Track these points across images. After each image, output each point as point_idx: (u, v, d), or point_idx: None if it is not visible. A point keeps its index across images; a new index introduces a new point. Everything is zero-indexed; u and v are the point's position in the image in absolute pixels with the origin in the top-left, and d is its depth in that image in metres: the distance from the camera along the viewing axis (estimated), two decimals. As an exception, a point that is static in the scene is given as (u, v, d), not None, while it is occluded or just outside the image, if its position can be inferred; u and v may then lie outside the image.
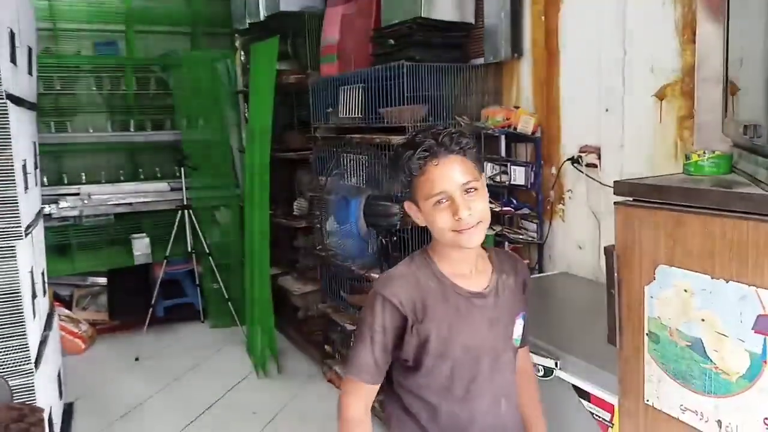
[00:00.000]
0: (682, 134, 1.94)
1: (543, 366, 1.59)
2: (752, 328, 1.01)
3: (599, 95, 2.22)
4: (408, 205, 1.22)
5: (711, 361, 1.09)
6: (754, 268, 1.00)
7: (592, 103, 2.25)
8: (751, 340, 1.02)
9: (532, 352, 1.62)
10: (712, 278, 1.07)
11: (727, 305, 1.05)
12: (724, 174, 1.25)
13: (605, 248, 1.28)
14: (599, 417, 1.47)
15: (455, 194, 1.13)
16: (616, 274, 1.26)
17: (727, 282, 1.04)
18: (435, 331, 1.16)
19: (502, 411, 1.24)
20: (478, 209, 1.15)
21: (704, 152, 1.30)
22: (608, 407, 1.44)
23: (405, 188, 1.20)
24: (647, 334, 1.21)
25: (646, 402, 1.24)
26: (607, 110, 2.19)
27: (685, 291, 1.12)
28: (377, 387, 1.21)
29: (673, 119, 1.96)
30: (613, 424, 1.43)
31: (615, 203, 1.26)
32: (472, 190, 1.15)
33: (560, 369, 1.56)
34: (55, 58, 4.23)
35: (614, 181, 1.28)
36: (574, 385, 1.53)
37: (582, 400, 1.51)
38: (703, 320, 1.09)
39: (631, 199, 1.25)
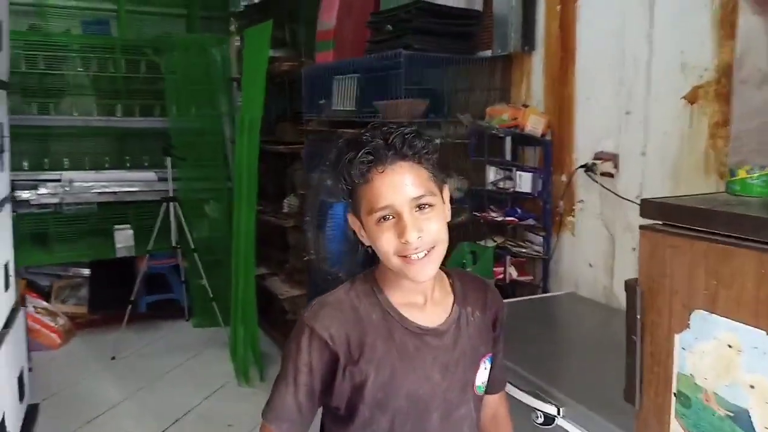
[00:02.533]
0: (715, 144, 1.68)
1: (543, 412, 1.35)
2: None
3: (619, 96, 1.96)
4: (351, 219, 0.99)
5: (760, 439, 0.84)
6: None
7: (611, 104, 2.00)
8: (819, 421, 0.77)
9: (528, 393, 1.39)
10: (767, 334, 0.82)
11: (788, 371, 0.80)
12: (780, 196, 1.00)
13: (626, 282, 1.04)
14: (607, 480, 1.22)
15: (403, 210, 0.91)
16: (638, 317, 1.01)
17: (789, 341, 0.80)
18: (373, 375, 0.94)
19: None
20: (432, 232, 0.92)
21: (752, 168, 1.05)
22: (618, 470, 1.19)
23: (346, 197, 0.97)
24: (675, 394, 0.97)
25: (669, 476, 0.99)
26: (627, 113, 1.94)
27: (730, 347, 0.88)
28: None
29: (704, 126, 1.71)
30: (624, 492, 1.18)
31: (641, 227, 1.02)
32: (426, 206, 0.92)
33: (563, 417, 1.32)
34: (41, 36, 4.00)
35: (641, 200, 1.03)
36: (578, 439, 1.29)
37: (588, 458, 1.27)
38: (752, 387, 0.85)
39: (661, 223, 1.01)
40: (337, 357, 0.94)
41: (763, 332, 0.83)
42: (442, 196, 0.97)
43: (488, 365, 1.06)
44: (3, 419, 2.37)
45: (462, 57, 2.45)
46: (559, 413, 1.32)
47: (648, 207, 1.02)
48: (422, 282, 0.96)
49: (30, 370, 3.03)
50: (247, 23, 3.84)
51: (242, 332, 3.42)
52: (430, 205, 0.93)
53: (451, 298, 1.03)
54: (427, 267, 0.94)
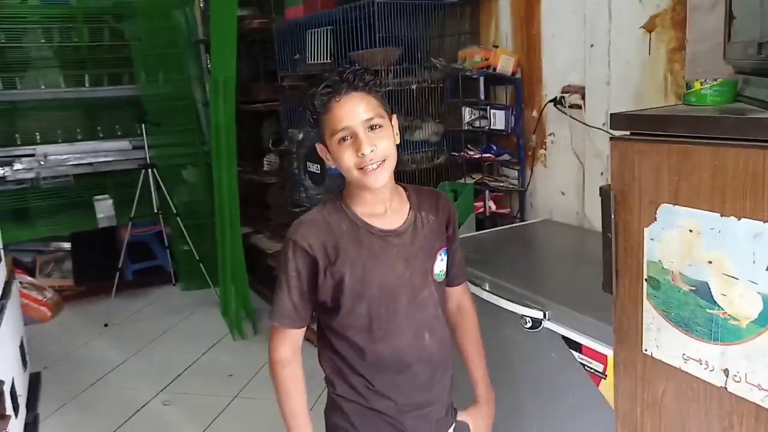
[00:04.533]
0: (673, 68, 1.82)
1: (531, 317, 1.50)
2: (766, 269, 0.92)
3: (584, 30, 2.08)
4: (319, 148, 1.21)
5: (718, 306, 0.99)
6: (771, 202, 0.89)
7: (575, 39, 2.11)
8: (765, 282, 0.92)
9: (515, 302, 1.54)
10: (721, 216, 0.96)
11: (739, 245, 0.95)
12: (729, 103, 1.14)
13: (600, 188, 1.17)
14: (591, 369, 1.39)
15: (358, 130, 1.13)
16: (612, 216, 1.15)
17: (739, 219, 0.94)
18: (349, 272, 1.17)
19: (426, 343, 1.24)
20: (383, 147, 1.14)
21: (705, 80, 1.18)
22: (601, 358, 1.36)
23: (313, 128, 1.20)
24: (646, 279, 1.11)
25: (644, 351, 1.15)
26: (592, 46, 2.06)
27: (691, 231, 1.02)
28: (302, 330, 1.23)
29: (663, 52, 1.84)
30: (605, 376, 1.35)
31: (611, 138, 1.15)
32: (377, 127, 1.14)
33: (549, 320, 1.48)
34: (-3, 8, 3.90)
35: (610, 114, 1.15)
36: (564, 337, 1.45)
37: (573, 351, 1.43)
38: (710, 262, 1.00)
39: (628, 133, 1.14)
40: (316, 261, 1.17)
41: (718, 215, 0.97)
42: (390, 122, 1.18)
43: (444, 257, 1.28)
44: (13, 384, 2.45)
45: (432, 3, 2.51)
46: (545, 316, 1.48)
47: (618, 120, 1.14)
48: (378, 188, 1.16)
49: (26, 342, 3.10)
50: (211, -17, 3.79)
51: (233, 290, 3.52)
52: (380, 126, 1.14)
53: (407, 206, 1.25)
54: (381, 175, 1.15)
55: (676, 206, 1.04)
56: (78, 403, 2.92)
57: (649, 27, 1.87)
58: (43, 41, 4.11)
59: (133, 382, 3.08)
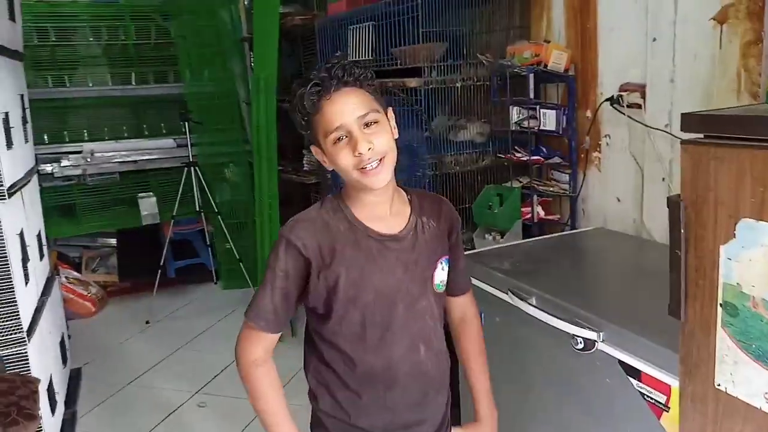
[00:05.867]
0: (747, 63, 1.64)
1: (583, 338, 1.36)
2: None
3: (645, 22, 1.91)
4: (315, 150, 1.14)
5: (811, 340, 0.85)
6: None
7: (636, 32, 1.95)
8: None
9: (566, 321, 1.40)
10: (818, 235, 0.82)
11: (840, 270, 0.80)
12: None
13: (669, 198, 1.03)
14: (651, 399, 1.24)
15: (353, 128, 1.05)
16: (682, 231, 1.00)
17: (842, 240, 0.79)
18: (345, 275, 1.10)
19: (421, 357, 1.17)
20: (381, 144, 1.07)
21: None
22: (663, 388, 1.21)
23: (305, 130, 1.12)
24: (721, 304, 0.97)
25: (717, 386, 1.00)
26: (654, 40, 1.89)
27: (778, 251, 0.87)
28: (275, 337, 1.15)
29: (736, 46, 1.66)
30: (668, 408, 1.20)
31: (682, 142, 1.00)
32: (373, 123, 1.07)
33: (604, 342, 1.33)
34: (49, 6, 3.97)
35: (682, 114, 1.01)
36: (620, 361, 1.30)
37: (631, 378, 1.28)
38: (802, 289, 0.85)
39: (702, 136, 0.99)
40: (309, 263, 1.10)
41: (814, 233, 0.83)
42: (386, 116, 1.11)
43: (445, 266, 1.20)
44: (51, 381, 2.46)
45: (479, -4, 2.39)
46: (599, 338, 1.34)
47: (690, 120, 1.00)
48: (379, 188, 1.09)
49: (69, 337, 3.12)
50: (255, -19, 3.76)
51: (271, 290, 3.46)
52: (375, 122, 1.07)
53: (409, 210, 1.18)
54: (381, 174, 1.07)
55: (760, 222, 0.89)
56: (115, 401, 2.92)
57: (721, 18, 1.69)
58: (91, 39, 4.17)
59: (171, 382, 3.07)
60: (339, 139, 1.06)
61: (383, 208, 1.15)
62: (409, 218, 1.17)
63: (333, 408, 1.18)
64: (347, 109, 1.05)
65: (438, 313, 1.21)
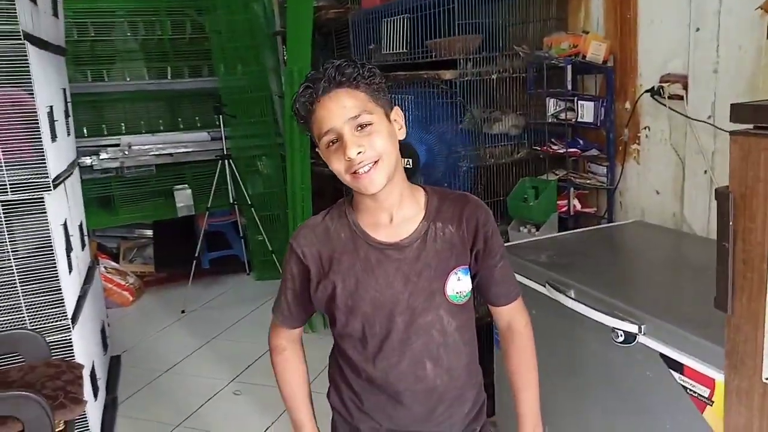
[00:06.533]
0: (796, 54, 1.60)
1: (623, 331, 1.35)
2: None
3: (688, 12, 1.87)
4: (319, 151, 1.08)
5: None
6: None
7: (678, 22, 1.91)
8: None
9: (606, 313, 1.39)
10: None
11: None
12: None
13: (717, 191, 1.01)
14: (694, 393, 1.23)
15: (343, 131, 1.01)
16: (731, 223, 0.99)
17: None
18: (341, 284, 1.09)
19: (427, 374, 1.11)
20: (375, 146, 1.01)
21: None
22: (707, 382, 1.20)
23: (306, 133, 1.10)
24: (771, 297, 0.96)
25: (764, 380, 0.99)
26: (697, 29, 1.85)
27: (833, 244, 0.86)
28: (296, 330, 1.21)
29: (783, 36, 1.62)
30: (712, 402, 1.19)
31: (731, 133, 0.99)
32: (367, 124, 1.01)
33: (645, 334, 1.32)
34: (88, 2, 4.06)
35: (731, 104, 0.99)
36: (662, 354, 1.29)
37: (673, 372, 1.27)
38: None
39: (751, 126, 0.98)
40: (308, 270, 1.11)
41: None
42: (387, 116, 1.05)
43: (462, 276, 1.11)
44: (93, 367, 2.53)
45: (515, -14, 2.37)
46: (640, 330, 1.32)
47: (740, 111, 0.98)
48: (374, 192, 1.03)
49: (108, 325, 3.21)
50: (288, -26, 3.79)
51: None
52: (369, 123, 1.01)
53: (421, 215, 1.11)
54: (375, 178, 1.02)
55: (813, 214, 0.88)
56: (153, 388, 3.00)
57: (767, 7, 1.65)
58: (128, 35, 4.25)
59: (206, 370, 3.14)
60: (332, 142, 1.02)
61: (387, 214, 1.09)
62: (419, 225, 1.09)
63: (339, 404, 1.20)
64: (337, 111, 1.01)
65: (456, 326, 1.11)
